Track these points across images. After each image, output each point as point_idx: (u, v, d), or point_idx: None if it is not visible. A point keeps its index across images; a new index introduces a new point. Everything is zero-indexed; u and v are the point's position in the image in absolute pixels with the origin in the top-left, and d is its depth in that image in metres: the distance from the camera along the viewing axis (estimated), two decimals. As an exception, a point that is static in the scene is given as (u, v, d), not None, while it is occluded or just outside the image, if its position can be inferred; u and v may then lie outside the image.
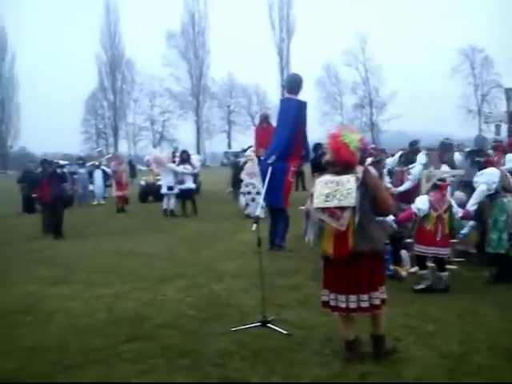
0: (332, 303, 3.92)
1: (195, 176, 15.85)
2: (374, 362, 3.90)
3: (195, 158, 15.05)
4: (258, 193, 12.89)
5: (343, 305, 3.84)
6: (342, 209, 3.68)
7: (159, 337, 4.65)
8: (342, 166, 3.81)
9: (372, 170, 3.88)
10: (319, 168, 9.57)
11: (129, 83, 72.23)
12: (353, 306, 3.81)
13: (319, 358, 4.02)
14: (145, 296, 6.06)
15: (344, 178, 3.75)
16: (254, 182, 12.42)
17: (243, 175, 12.97)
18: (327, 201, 3.72)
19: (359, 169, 3.83)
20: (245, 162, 13.66)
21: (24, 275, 7.42)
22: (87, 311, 5.57)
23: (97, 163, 19.86)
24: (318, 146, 10.58)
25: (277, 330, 4.61)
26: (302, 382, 3.66)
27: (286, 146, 7.65)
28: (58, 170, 11.72)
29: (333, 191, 3.73)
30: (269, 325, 4.73)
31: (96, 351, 4.36)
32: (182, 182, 14.11)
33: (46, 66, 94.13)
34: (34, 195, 12.98)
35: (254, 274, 6.43)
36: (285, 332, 4.57)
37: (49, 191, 11.27)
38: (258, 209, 5.45)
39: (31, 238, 11.18)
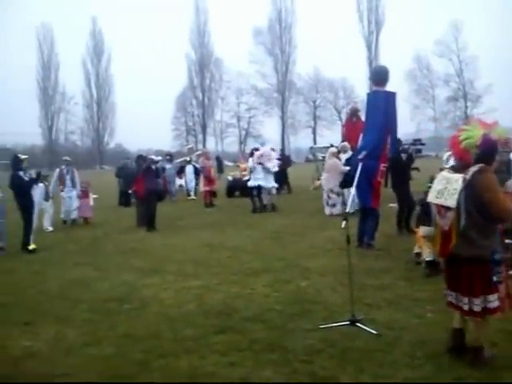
0: (449, 298, 3.91)
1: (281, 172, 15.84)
2: (469, 366, 3.70)
3: (273, 154, 14.79)
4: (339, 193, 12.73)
5: (453, 301, 3.83)
6: (447, 208, 3.57)
7: (247, 330, 4.71)
8: (461, 163, 3.66)
9: (489, 170, 3.56)
10: (397, 165, 9.26)
11: (217, 81, 74.19)
12: (459, 304, 3.76)
13: (410, 361, 3.87)
14: (233, 289, 6.17)
15: (455, 176, 3.61)
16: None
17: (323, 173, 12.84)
18: (437, 197, 3.69)
19: (473, 168, 3.56)
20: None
21: (120, 265, 7.85)
22: (178, 301, 5.78)
23: (188, 159, 20.53)
24: (397, 142, 10.17)
25: (366, 330, 4.51)
26: (393, 381, 3.55)
27: (378, 143, 7.42)
28: (152, 166, 12.23)
29: (443, 188, 3.66)
30: (358, 324, 4.63)
31: (187, 341, 4.51)
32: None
33: (138, 66, 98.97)
34: (130, 190, 13.65)
35: (341, 271, 6.36)
36: (374, 332, 4.45)
37: (143, 186, 11.82)
38: (348, 205, 5.33)
39: (126, 230, 11.82)
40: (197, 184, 19.35)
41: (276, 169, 14.36)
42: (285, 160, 20.08)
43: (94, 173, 40.71)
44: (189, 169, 19.66)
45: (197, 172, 19.24)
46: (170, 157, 20.78)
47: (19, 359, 4.34)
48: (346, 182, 12.43)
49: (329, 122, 74.45)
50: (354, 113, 10.38)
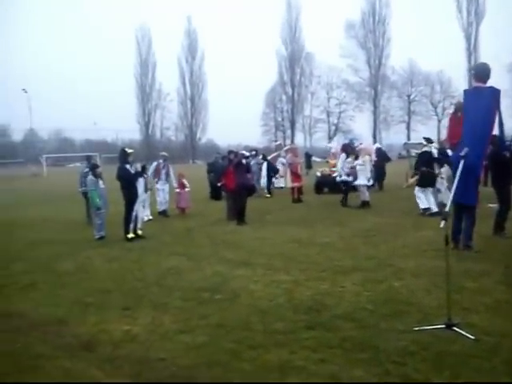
0: None
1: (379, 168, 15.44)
2: None
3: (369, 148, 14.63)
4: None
5: None
6: None
7: (338, 327, 4.66)
8: None
9: None
10: (499, 162, 8.68)
11: (307, 76, 73.99)
12: None
13: (510, 369, 3.64)
14: (322, 286, 6.14)
15: None
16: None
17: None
18: None
19: None
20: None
21: (212, 256, 8.09)
22: (268, 295, 5.85)
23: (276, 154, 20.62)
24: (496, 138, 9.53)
25: (462, 335, 4.29)
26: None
27: (481, 139, 7.00)
28: (243, 161, 12.45)
29: None
30: (454, 328, 4.42)
31: (277, 334, 4.55)
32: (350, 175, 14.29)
33: (230, 64, 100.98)
34: (220, 184, 14.02)
35: (437, 273, 6.10)
36: (472, 337, 4.23)
37: (234, 180, 12.08)
38: (448, 205, 5.09)
39: (217, 222, 12.15)
40: (270, 182, 19.45)
41: (368, 165, 14.18)
42: (382, 156, 19.62)
43: (187, 167, 42.21)
44: (264, 166, 19.66)
45: (273, 170, 19.31)
46: (255, 152, 20.89)
47: (119, 342, 4.62)
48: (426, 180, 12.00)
49: (424, 117, 71.64)
50: (459, 108, 9.77)
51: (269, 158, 20.72)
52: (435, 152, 12.10)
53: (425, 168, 12.02)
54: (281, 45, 72.96)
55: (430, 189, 12.14)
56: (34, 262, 8.21)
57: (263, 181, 19.55)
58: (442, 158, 11.80)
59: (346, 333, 4.50)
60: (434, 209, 11.78)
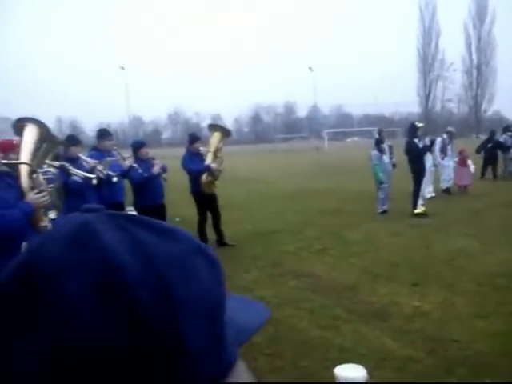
0: None
1: None
2: None
3: None
4: None
5: None
6: None
7: None
8: None
9: None
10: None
11: None
12: None
13: None
14: None
15: None
16: None
17: None
18: None
19: None
20: None
21: (506, 241, 7.38)
22: None
23: None
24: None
25: None
26: None
27: None
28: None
29: None
30: None
31: None
32: None
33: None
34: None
35: None
36: None
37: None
38: None
39: (508, 204, 10.98)
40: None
41: None
42: None
43: (469, 141, 39.27)
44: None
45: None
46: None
47: (411, 316, 4.68)
48: None
49: None
50: None
51: None
52: None
53: None
54: None
55: None
56: (323, 229, 8.91)
57: None
58: None
59: None
60: None
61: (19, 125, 3.62)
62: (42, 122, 3.65)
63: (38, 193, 3.45)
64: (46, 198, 3.50)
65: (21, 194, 3.42)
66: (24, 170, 3.44)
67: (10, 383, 0.38)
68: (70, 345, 0.37)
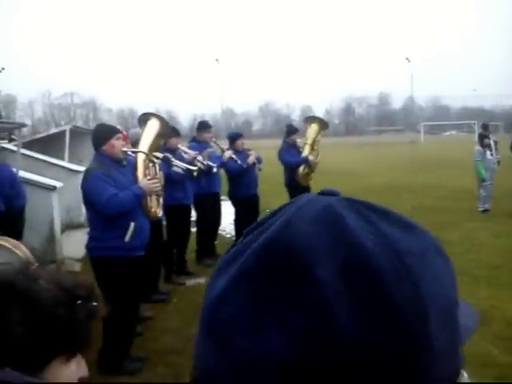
0: None
1: None
2: None
3: None
4: None
5: None
6: None
7: None
8: None
9: None
10: None
11: None
12: None
13: None
14: None
15: None
16: None
17: None
18: None
19: None
20: None
21: None
22: None
23: None
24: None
25: None
26: None
27: None
28: None
29: None
30: None
31: None
32: None
33: None
34: None
35: None
36: None
37: None
38: None
39: None
40: None
41: None
42: None
43: None
44: None
45: None
46: None
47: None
48: None
49: None
50: None
51: None
52: None
53: None
54: None
55: None
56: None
57: None
58: None
59: None
60: None
61: (143, 117, 3.98)
62: (162, 118, 4.02)
63: (150, 179, 3.74)
64: (158, 185, 3.79)
65: (135, 179, 3.75)
66: (140, 158, 3.77)
67: (255, 360, 0.38)
68: (326, 331, 0.37)
